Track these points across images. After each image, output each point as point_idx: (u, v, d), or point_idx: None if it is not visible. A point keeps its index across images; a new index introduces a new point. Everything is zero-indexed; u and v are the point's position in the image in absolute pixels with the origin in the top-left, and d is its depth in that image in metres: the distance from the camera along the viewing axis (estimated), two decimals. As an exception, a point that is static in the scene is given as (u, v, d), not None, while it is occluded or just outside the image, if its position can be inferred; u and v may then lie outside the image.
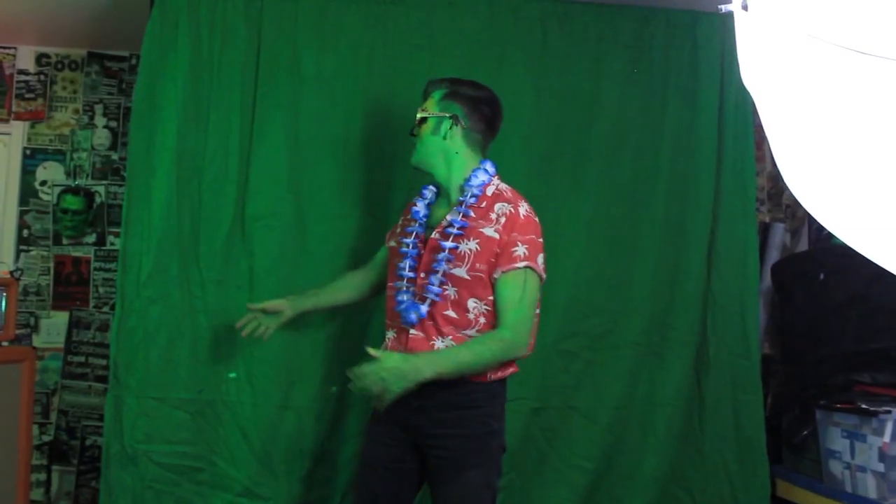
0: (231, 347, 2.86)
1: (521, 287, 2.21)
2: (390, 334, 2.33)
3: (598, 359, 3.05)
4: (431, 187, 2.44)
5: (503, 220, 2.23)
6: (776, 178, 3.87)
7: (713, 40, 3.17)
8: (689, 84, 3.17)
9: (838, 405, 3.06)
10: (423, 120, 2.38)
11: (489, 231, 2.22)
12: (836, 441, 3.07)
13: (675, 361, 3.09)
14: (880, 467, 2.83)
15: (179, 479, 2.81)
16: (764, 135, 1.30)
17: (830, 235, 3.46)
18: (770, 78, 1.28)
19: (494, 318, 2.24)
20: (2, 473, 2.86)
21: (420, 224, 2.35)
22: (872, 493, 2.86)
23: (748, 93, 1.33)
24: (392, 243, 2.45)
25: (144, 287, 2.81)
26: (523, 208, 2.28)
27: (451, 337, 2.21)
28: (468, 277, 2.21)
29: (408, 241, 2.32)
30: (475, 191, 2.29)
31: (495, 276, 2.22)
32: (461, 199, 2.29)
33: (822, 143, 1.23)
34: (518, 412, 2.95)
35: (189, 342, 2.84)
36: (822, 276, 3.24)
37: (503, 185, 2.35)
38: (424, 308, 2.21)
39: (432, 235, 2.29)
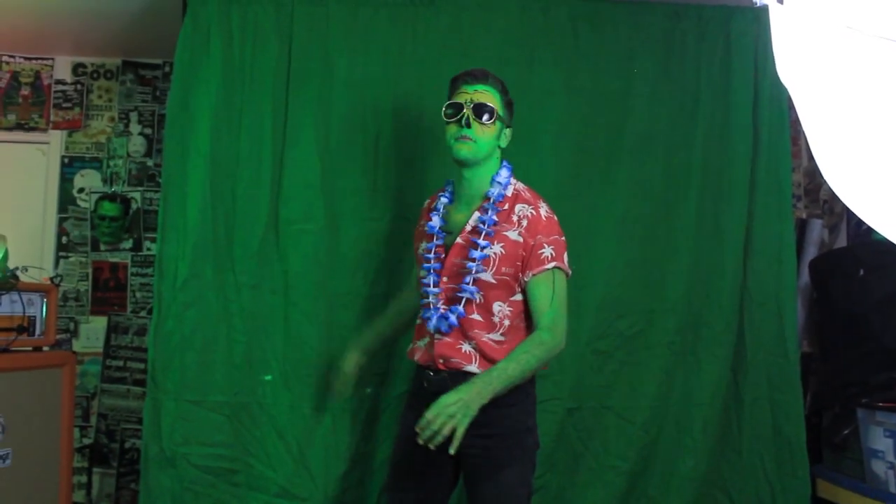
0: (266, 350, 2.89)
1: (551, 287, 2.23)
2: (421, 343, 2.33)
3: (633, 359, 3.02)
4: (448, 190, 2.41)
5: (525, 222, 2.24)
6: (813, 174, 3.82)
7: (747, 35, 3.13)
8: (722, 80, 3.14)
9: (880, 403, 3.01)
10: (493, 114, 2.25)
11: (513, 234, 2.23)
12: (879, 440, 3.01)
13: (711, 361, 3.05)
14: (924, 467, 2.78)
15: (217, 481, 2.84)
16: (800, 130, 1.29)
17: (870, 231, 3.41)
18: (807, 71, 1.26)
19: (519, 320, 2.27)
20: (45, 476, 2.90)
21: (439, 235, 2.31)
22: (917, 494, 2.81)
23: (783, 87, 1.32)
24: (419, 250, 2.40)
25: (181, 291, 2.85)
26: (543, 209, 2.28)
27: (475, 341, 2.22)
28: (494, 281, 2.22)
29: (429, 255, 2.30)
30: (500, 194, 2.28)
31: (525, 279, 2.23)
32: (487, 202, 2.27)
33: (862, 136, 1.21)
34: (553, 412, 2.94)
35: (224, 345, 2.87)
36: (861, 273, 3.19)
37: (520, 185, 2.34)
38: (460, 308, 2.21)
39: (457, 240, 2.27)
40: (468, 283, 2.21)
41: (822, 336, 3.54)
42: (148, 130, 4.15)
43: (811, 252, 3.65)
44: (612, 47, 3.11)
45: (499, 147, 2.32)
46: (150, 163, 4.13)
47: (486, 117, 2.22)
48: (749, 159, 3.12)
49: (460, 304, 2.22)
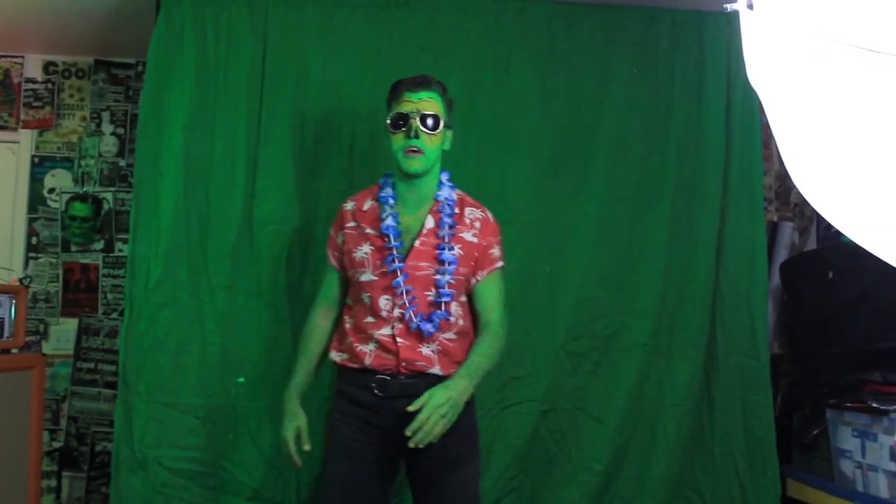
0: (240, 352, 2.87)
1: (500, 286, 2.36)
2: (367, 347, 2.23)
3: (607, 360, 3.04)
4: (388, 193, 2.32)
5: (478, 224, 2.32)
6: (784, 177, 3.86)
7: (719, 40, 3.16)
8: (695, 84, 3.17)
9: (849, 404, 3.05)
10: (439, 122, 2.24)
11: (468, 236, 2.29)
12: (847, 440, 3.05)
13: (684, 362, 3.07)
14: (892, 466, 2.82)
15: (189, 484, 2.81)
16: (771, 133, 1.30)
17: (839, 234, 3.45)
18: (777, 76, 1.27)
19: (467, 319, 2.33)
20: (13, 480, 2.86)
21: (398, 241, 2.24)
22: (884, 493, 2.85)
23: (755, 92, 1.33)
24: (357, 254, 2.29)
25: (153, 293, 2.82)
26: (489, 212, 2.39)
27: (436, 342, 2.23)
28: (454, 282, 2.26)
29: (391, 263, 2.23)
30: (450, 197, 2.32)
31: (478, 279, 2.31)
32: (440, 205, 2.29)
33: (830, 141, 1.23)
34: (526, 414, 2.96)
35: (198, 347, 2.85)
36: (831, 275, 3.23)
37: (458, 190, 2.38)
38: (443, 311, 2.22)
39: (416, 244, 2.25)
40: (443, 287, 2.22)
41: (793, 338, 3.58)
42: (120, 130, 4.11)
43: (782, 254, 3.69)
44: (588, 50, 3.13)
45: (442, 154, 2.32)
46: (122, 163, 4.09)
47: (432, 127, 2.22)
48: (722, 162, 3.15)
49: (439, 307, 2.22)
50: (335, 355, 2.33)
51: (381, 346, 2.22)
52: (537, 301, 3.01)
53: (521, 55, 3.09)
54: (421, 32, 3.06)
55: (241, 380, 2.86)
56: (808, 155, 1.26)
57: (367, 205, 2.35)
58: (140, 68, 4.03)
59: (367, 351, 2.24)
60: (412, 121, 2.20)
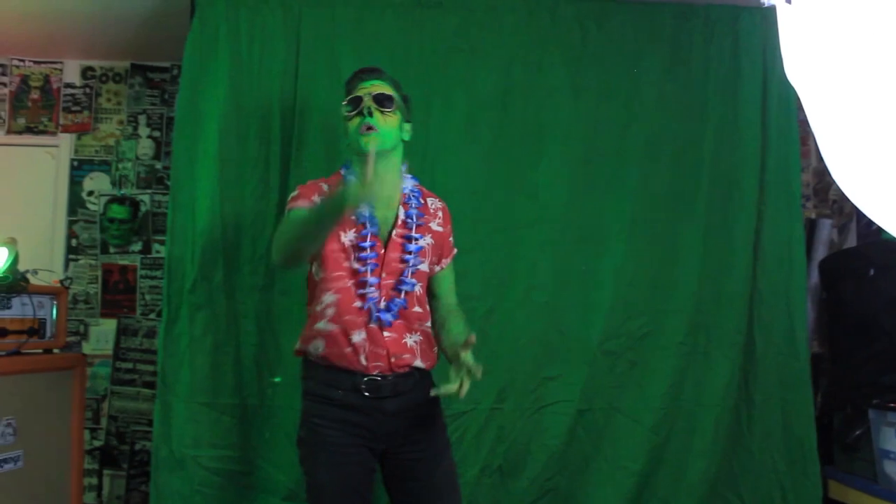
0: (276, 352, 2.89)
1: (454, 270, 2.41)
2: (357, 337, 2.14)
3: (643, 359, 3.02)
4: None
5: (440, 213, 2.35)
6: (822, 174, 3.80)
7: (755, 35, 3.12)
8: (730, 80, 3.13)
9: (892, 404, 2.99)
10: (393, 102, 2.20)
11: (434, 225, 2.31)
12: (891, 441, 2.99)
13: (722, 361, 3.04)
14: (937, 468, 2.76)
15: (226, 483, 2.84)
16: (808, 130, 1.28)
17: (880, 230, 3.39)
18: (815, 71, 1.25)
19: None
20: (56, 477, 2.91)
21: (374, 225, 2.18)
22: (929, 495, 2.79)
23: (792, 87, 1.31)
24: (341, 235, 2.16)
25: (190, 293, 2.86)
26: (443, 201, 2.40)
27: (418, 332, 2.23)
28: (428, 271, 2.29)
29: (365, 243, 2.16)
30: (415, 188, 2.31)
31: (441, 265, 2.35)
32: (407, 197, 2.27)
33: (871, 136, 1.20)
34: (563, 414, 2.94)
35: (234, 348, 2.88)
36: (871, 272, 3.17)
37: (416, 181, 2.35)
38: (400, 301, 2.18)
39: (393, 236, 2.20)
40: (407, 277, 2.21)
41: (832, 336, 3.52)
42: (156, 133, 4.17)
43: (821, 252, 3.63)
44: (620, 48, 3.11)
45: (402, 140, 2.26)
46: (158, 165, 4.14)
47: (386, 105, 2.18)
48: (758, 160, 3.11)
49: (399, 296, 2.19)
50: (311, 347, 2.21)
51: (370, 337, 2.15)
52: (572, 301, 2.99)
53: (553, 53, 3.08)
54: (452, 32, 3.05)
55: (278, 380, 2.88)
56: (847, 151, 1.23)
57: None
58: (175, 72, 4.08)
59: (358, 344, 2.14)
60: (365, 100, 2.17)
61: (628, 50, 3.11)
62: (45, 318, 2.97)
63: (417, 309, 2.24)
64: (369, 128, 2.15)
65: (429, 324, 2.29)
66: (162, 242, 3.93)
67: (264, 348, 2.90)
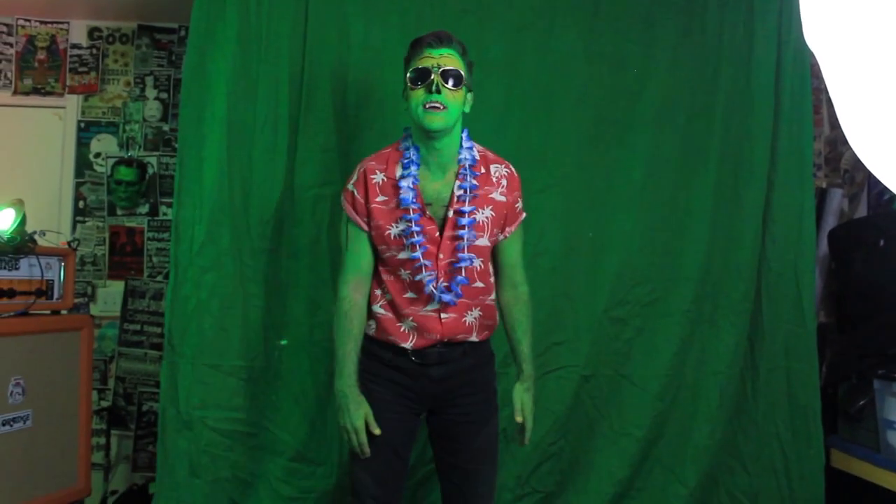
0: (282, 315, 2.90)
1: (523, 237, 2.35)
2: (406, 326, 2.18)
3: (649, 326, 3.02)
4: (412, 158, 2.17)
5: (504, 181, 2.24)
6: (834, 143, 3.76)
7: (770, 0, 3.07)
8: (744, 46, 3.09)
9: (897, 375, 2.99)
10: (460, 79, 2.13)
11: (497, 195, 2.22)
12: (895, 411, 3.00)
13: (728, 330, 3.04)
14: (941, 438, 2.77)
15: (233, 444, 2.87)
16: (821, 98, 1.26)
17: (892, 200, 3.36)
18: (836, 36, 1.23)
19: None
20: (64, 437, 2.94)
21: (416, 207, 2.13)
22: (932, 464, 2.80)
23: (806, 54, 1.29)
24: (390, 230, 2.16)
25: (197, 256, 2.85)
26: (511, 166, 2.30)
27: (479, 308, 2.22)
28: (489, 244, 2.22)
29: (411, 228, 2.12)
30: (472, 158, 2.21)
31: (506, 234, 2.27)
32: (462, 169, 2.18)
33: (892, 101, 1.18)
34: (568, 379, 2.96)
35: (241, 310, 2.88)
36: (882, 243, 3.15)
37: (478, 145, 2.27)
38: (461, 279, 2.15)
39: (450, 213, 2.15)
40: (462, 252, 2.15)
41: (840, 306, 3.51)
42: (164, 95, 4.14)
43: (830, 222, 3.61)
44: (633, 12, 3.07)
45: (464, 113, 2.21)
46: (165, 127, 4.12)
47: (453, 83, 2.11)
48: (770, 127, 3.09)
49: (460, 274, 2.15)
50: (367, 328, 2.24)
51: (420, 325, 2.17)
52: (580, 266, 2.99)
53: (564, 18, 3.04)
54: (463, -6, 3.01)
55: (284, 342, 2.90)
56: (867, 117, 1.21)
57: (398, 173, 2.17)
58: (183, 33, 4.04)
59: (407, 331, 2.18)
60: (434, 76, 2.09)
61: (641, 15, 3.08)
62: (52, 280, 2.98)
63: (479, 284, 2.21)
64: (435, 106, 2.09)
65: (492, 297, 2.27)
66: (169, 205, 3.93)
67: (271, 311, 2.90)
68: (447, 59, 2.13)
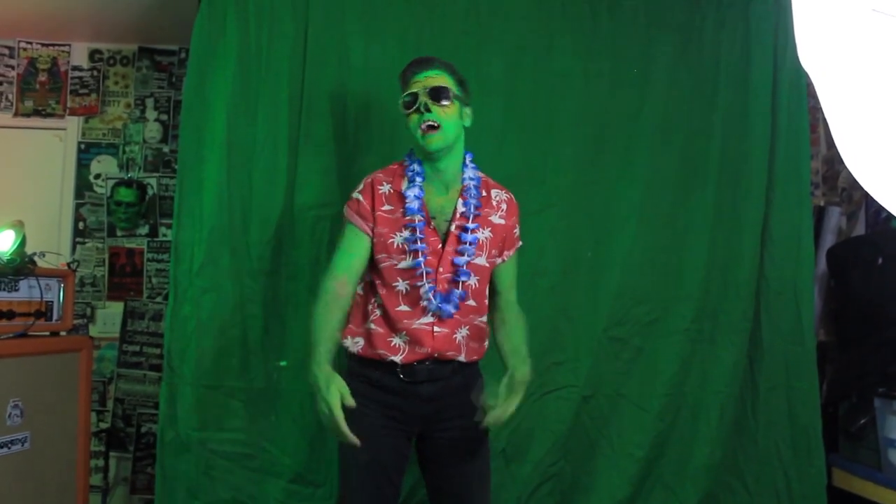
0: (282, 336, 2.90)
1: (517, 265, 2.38)
2: (398, 341, 2.16)
3: (649, 346, 3.02)
4: (417, 171, 2.21)
5: (504, 206, 2.30)
6: (832, 161, 3.78)
7: (767, 20, 3.11)
8: (741, 66, 3.12)
9: (898, 393, 2.99)
10: (449, 94, 2.17)
11: (496, 218, 2.27)
12: (896, 430, 2.99)
13: (728, 348, 3.04)
14: (943, 457, 2.76)
15: (233, 466, 2.85)
16: (818, 117, 1.27)
17: (889, 219, 3.37)
18: (830, 56, 1.24)
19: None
20: (62, 459, 2.93)
21: (421, 217, 2.16)
22: (934, 483, 2.79)
23: (803, 74, 1.30)
24: (393, 238, 2.17)
25: (197, 277, 2.86)
26: (510, 193, 2.36)
27: (467, 326, 2.21)
28: (487, 265, 2.24)
29: (415, 236, 2.14)
30: (477, 178, 2.26)
31: (503, 258, 2.30)
32: (466, 188, 2.22)
33: (886, 122, 1.19)
34: (568, 399, 2.95)
35: (241, 331, 2.88)
36: (880, 261, 3.16)
37: (480, 171, 2.31)
38: (459, 292, 2.16)
39: (452, 228, 2.18)
40: (462, 266, 2.17)
41: (839, 325, 3.51)
42: (164, 116, 4.16)
43: (829, 240, 3.62)
44: (631, 33, 3.09)
45: (463, 127, 2.25)
46: (165, 149, 4.14)
47: (443, 98, 2.15)
48: (767, 146, 3.10)
49: (457, 286, 2.17)
50: (350, 342, 2.21)
51: (413, 338, 2.15)
52: (579, 286, 2.99)
53: (563, 38, 3.06)
54: (462, 16, 3.04)
55: (284, 363, 2.89)
56: (861, 137, 1.22)
57: (404, 187, 2.21)
58: (183, 55, 4.07)
59: (399, 345, 2.16)
60: (421, 97, 2.15)
61: (639, 36, 3.10)
62: (52, 301, 2.97)
63: (472, 302, 2.22)
64: (431, 126, 2.13)
65: (483, 318, 2.27)
66: (169, 226, 3.94)
67: (270, 332, 2.90)
68: (432, 78, 2.18)
